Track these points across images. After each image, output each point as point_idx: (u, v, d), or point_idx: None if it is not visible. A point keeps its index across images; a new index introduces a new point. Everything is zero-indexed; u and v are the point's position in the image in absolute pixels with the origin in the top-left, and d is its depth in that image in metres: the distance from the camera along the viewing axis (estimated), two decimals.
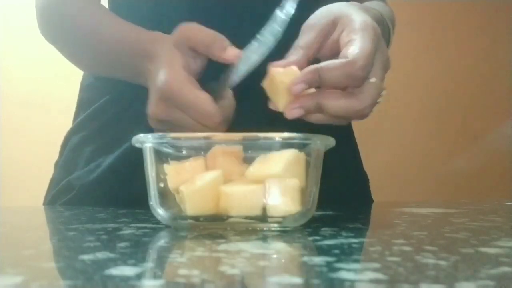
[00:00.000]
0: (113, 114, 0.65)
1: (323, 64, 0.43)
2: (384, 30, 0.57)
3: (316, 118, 0.44)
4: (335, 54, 0.45)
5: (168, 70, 0.47)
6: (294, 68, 0.44)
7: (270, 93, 0.45)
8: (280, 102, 0.44)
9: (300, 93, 0.42)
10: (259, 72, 0.47)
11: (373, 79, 0.43)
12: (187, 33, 0.49)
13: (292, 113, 0.43)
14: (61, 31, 0.65)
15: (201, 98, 0.45)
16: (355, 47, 0.43)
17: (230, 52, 0.47)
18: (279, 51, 0.47)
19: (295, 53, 0.46)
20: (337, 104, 0.43)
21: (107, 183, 0.62)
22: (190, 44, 0.48)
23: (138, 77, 0.54)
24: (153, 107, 0.48)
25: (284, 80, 0.43)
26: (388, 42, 0.59)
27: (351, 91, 0.43)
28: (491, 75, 2.11)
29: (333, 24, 0.47)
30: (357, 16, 0.46)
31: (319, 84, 0.42)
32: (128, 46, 0.54)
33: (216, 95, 0.47)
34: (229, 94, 0.47)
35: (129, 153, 0.61)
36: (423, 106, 2.09)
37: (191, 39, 0.48)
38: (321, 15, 0.48)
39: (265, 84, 0.45)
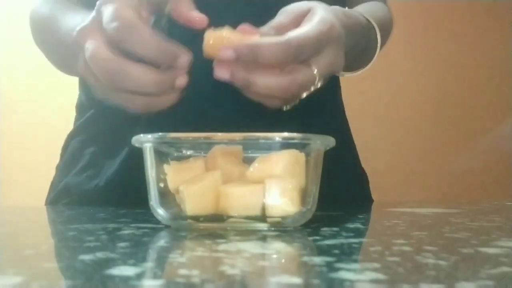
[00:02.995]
0: (113, 118, 0.65)
1: (259, 40, 0.42)
2: (370, 37, 0.57)
3: (248, 93, 0.44)
4: None
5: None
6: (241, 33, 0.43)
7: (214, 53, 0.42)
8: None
9: (226, 59, 0.41)
10: None
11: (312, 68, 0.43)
12: None
13: (219, 72, 0.42)
14: (36, 32, 0.66)
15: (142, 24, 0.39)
16: (297, 30, 0.43)
17: (195, 14, 0.44)
18: None
19: (266, 32, 0.46)
20: (264, 80, 0.42)
21: (107, 192, 0.62)
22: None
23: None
24: (80, 27, 0.41)
25: (231, 37, 0.42)
26: (374, 46, 0.58)
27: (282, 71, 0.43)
28: (491, 75, 2.11)
29: (302, 16, 0.47)
30: (322, 13, 0.45)
31: (252, 59, 0.41)
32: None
33: None
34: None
35: (129, 162, 0.61)
36: (423, 106, 2.09)
37: None
38: (300, 4, 0.48)
39: (208, 45, 0.42)
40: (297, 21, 0.47)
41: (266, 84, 0.42)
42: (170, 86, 0.40)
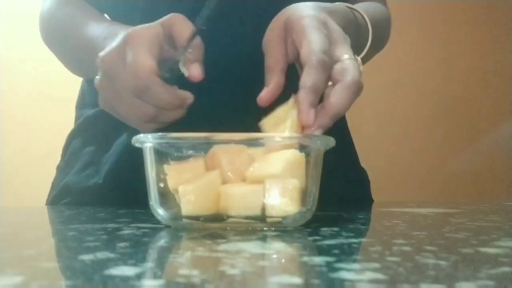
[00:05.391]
0: (114, 118, 0.65)
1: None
2: (360, 29, 0.57)
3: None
4: (297, 53, 0.47)
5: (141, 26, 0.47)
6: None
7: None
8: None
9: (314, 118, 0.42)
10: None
11: (345, 56, 0.44)
12: (173, 21, 0.49)
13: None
14: (52, 34, 0.66)
15: (146, 59, 0.45)
16: (306, 45, 0.44)
17: (194, 69, 0.47)
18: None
19: (272, 76, 0.47)
20: (341, 98, 0.43)
21: (105, 188, 0.62)
22: (172, 31, 0.48)
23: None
24: (104, 54, 0.47)
25: (290, 117, 0.41)
26: (364, 44, 0.58)
27: (341, 79, 0.44)
28: (491, 75, 2.11)
29: (285, 28, 0.48)
30: (302, 13, 0.46)
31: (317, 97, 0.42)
32: (102, 34, 0.54)
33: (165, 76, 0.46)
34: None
35: (126, 158, 0.61)
36: (423, 106, 2.09)
37: (175, 27, 0.48)
38: (272, 25, 0.49)
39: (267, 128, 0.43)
40: (283, 43, 0.48)
41: (342, 99, 0.43)
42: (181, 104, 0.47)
